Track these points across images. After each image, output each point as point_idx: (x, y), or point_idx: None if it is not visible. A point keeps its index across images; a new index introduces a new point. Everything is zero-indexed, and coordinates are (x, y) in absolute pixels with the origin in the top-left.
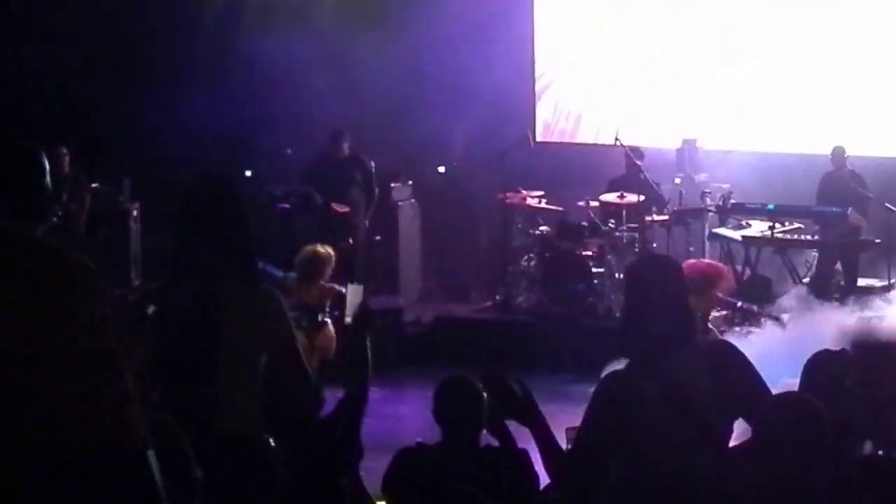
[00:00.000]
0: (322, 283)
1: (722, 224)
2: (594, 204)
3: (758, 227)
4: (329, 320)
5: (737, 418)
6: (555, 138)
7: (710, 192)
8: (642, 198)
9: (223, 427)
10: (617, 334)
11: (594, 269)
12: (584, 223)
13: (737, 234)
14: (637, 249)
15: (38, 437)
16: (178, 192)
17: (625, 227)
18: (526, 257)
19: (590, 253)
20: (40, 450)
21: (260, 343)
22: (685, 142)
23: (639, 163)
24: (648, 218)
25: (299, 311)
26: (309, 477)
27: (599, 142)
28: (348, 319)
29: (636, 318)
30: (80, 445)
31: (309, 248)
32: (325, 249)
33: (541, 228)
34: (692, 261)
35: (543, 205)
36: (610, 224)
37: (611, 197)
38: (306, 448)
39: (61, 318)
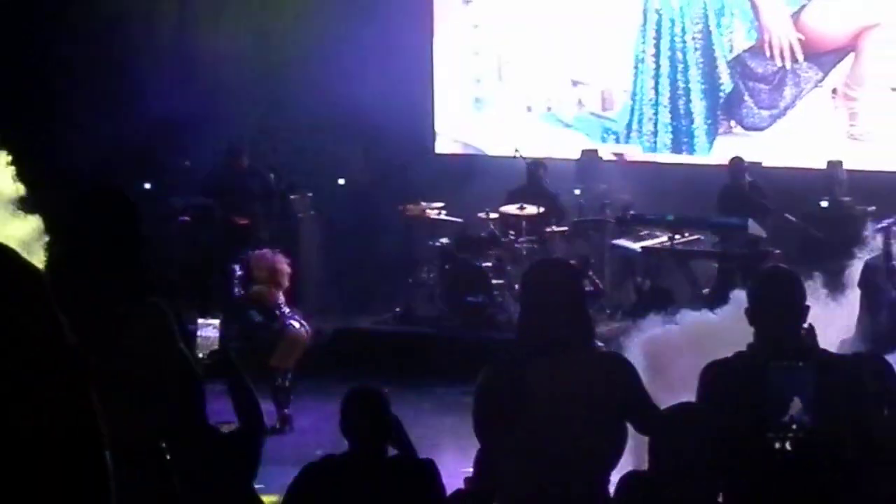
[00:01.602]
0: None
1: (622, 235)
2: (494, 216)
3: (658, 239)
4: (295, 322)
5: (625, 424)
6: (456, 150)
7: (610, 203)
8: (542, 209)
9: (117, 440)
10: (516, 337)
11: (494, 281)
12: (484, 235)
13: (636, 246)
14: (530, 263)
15: None
16: (71, 205)
17: (524, 239)
18: (426, 269)
19: (490, 265)
20: None
21: (146, 360)
22: (585, 153)
23: (539, 174)
24: (548, 229)
25: (266, 316)
26: (205, 491)
27: (500, 153)
28: (201, 355)
29: (532, 322)
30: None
31: (268, 254)
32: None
33: (441, 240)
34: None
35: (443, 216)
36: (510, 235)
37: (511, 208)
38: (203, 463)
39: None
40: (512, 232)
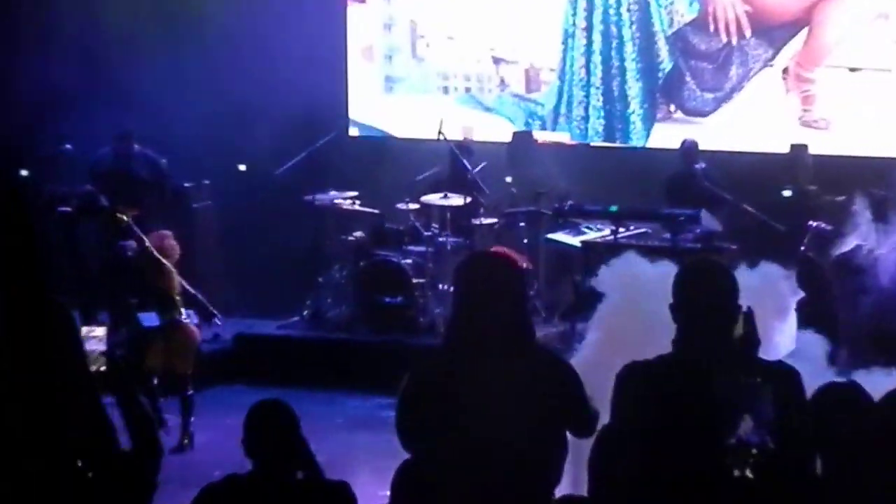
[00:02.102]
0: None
1: (559, 228)
2: (414, 206)
3: (600, 233)
4: (190, 318)
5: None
6: (373, 133)
7: (545, 193)
8: (468, 199)
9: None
10: (445, 337)
11: (415, 280)
12: (403, 228)
13: (575, 240)
14: (464, 255)
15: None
16: None
17: (449, 233)
18: (338, 266)
19: (410, 261)
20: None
21: (54, 367)
22: (518, 135)
23: (465, 160)
24: (476, 221)
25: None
26: None
27: (422, 136)
28: (95, 368)
29: (465, 320)
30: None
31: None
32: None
33: (355, 234)
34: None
35: (357, 207)
36: (432, 229)
37: (433, 198)
38: (97, 482)
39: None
40: (435, 225)
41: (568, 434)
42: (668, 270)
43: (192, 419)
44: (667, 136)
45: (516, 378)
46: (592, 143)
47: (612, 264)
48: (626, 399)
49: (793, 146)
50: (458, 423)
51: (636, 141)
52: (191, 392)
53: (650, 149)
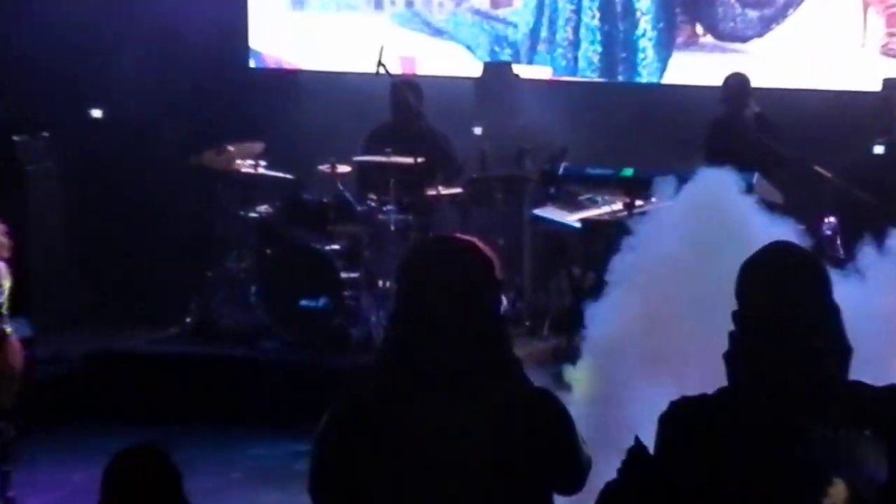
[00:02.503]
0: None
1: (550, 201)
2: (344, 169)
3: (607, 207)
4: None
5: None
6: (284, 66)
7: (531, 151)
8: (421, 159)
9: None
10: (381, 361)
11: (343, 275)
12: (329, 200)
13: (573, 218)
14: (413, 242)
15: None
16: None
17: (393, 207)
18: (235, 255)
19: (338, 247)
20: None
21: None
22: (490, 68)
23: (415, 103)
24: (432, 192)
25: None
26: None
27: (350, 69)
28: None
29: (411, 338)
30: None
31: None
32: None
33: (259, 209)
34: None
35: (263, 171)
36: (369, 201)
37: (371, 158)
38: None
39: None
40: (373, 196)
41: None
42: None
43: (11, 482)
44: (691, 69)
45: (481, 419)
46: (585, 80)
47: (687, 190)
48: (671, 451)
49: (886, 81)
50: (398, 483)
51: (647, 76)
52: (12, 434)
53: (668, 87)
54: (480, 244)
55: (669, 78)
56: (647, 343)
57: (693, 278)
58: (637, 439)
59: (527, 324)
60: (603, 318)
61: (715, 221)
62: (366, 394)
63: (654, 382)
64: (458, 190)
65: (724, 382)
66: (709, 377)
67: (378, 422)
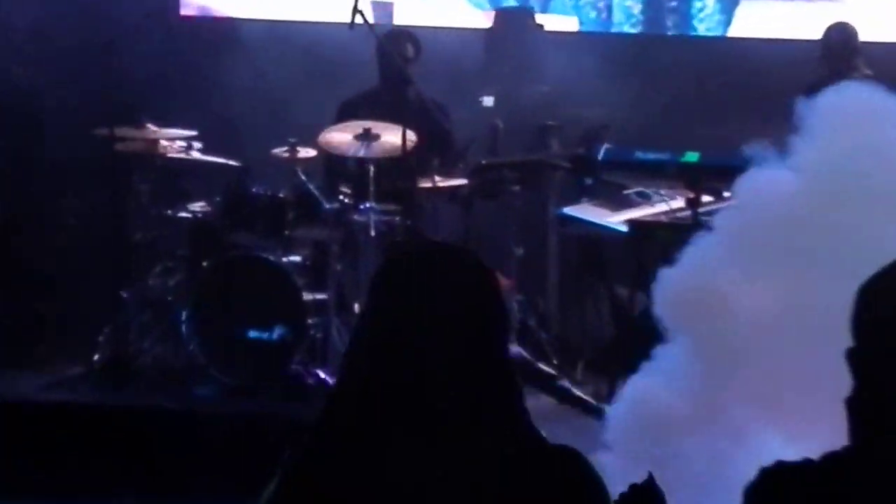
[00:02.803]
0: None
1: (585, 196)
2: (307, 153)
3: (662, 207)
4: None
5: None
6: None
7: (558, 128)
8: (413, 139)
9: None
10: (334, 409)
11: (307, 295)
12: (287, 196)
13: (616, 218)
14: (389, 250)
15: None
16: None
17: (373, 204)
18: (160, 268)
19: (298, 259)
20: None
21: None
22: (504, 15)
23: (405, 63)
24: (425, 183)
25: None
26: None
27: (322, 20)
28: None
29: (384, 374)
30: None
31: None
32: None
33: (192, 207)
34: None
35: (197, 155)
36: (341, 196)
37: (342, 137)
38: None
39: None
40: (346, 189)
41: None
42: None
43: None
44: (765, 21)
45: (481, 491)
46: (631, 33)
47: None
48: None
49: None
50: None
51: (705, 30)
52: None
53: (740, 42)
54: (469, 251)
55: (739, 29)
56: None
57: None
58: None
59: (553, 363)
60: (664, 358)
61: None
62: (319, 443)
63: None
64: (460, 181)
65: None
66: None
67: (336, 485)
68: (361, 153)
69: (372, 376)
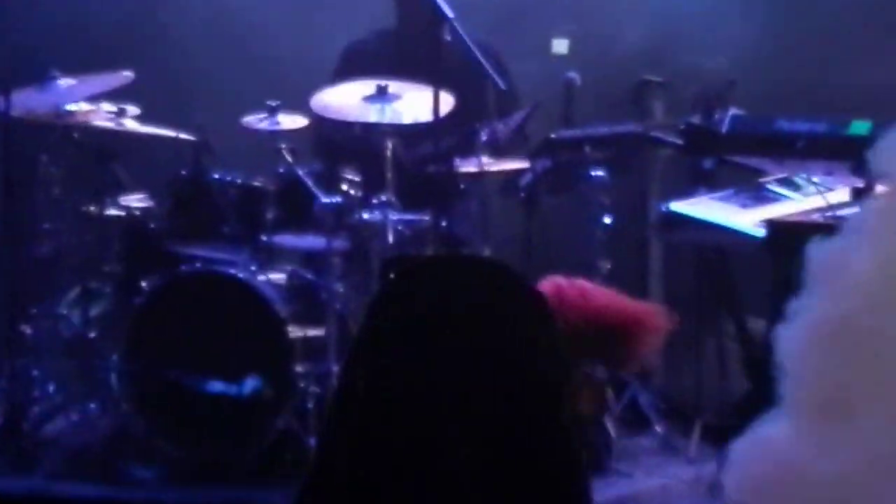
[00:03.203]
0: None
1: (702, 184)
2: (294, 123)
3: (815, 196)
4: None
5: None
6: None
7: (662, 85)
8: (450, 100)
9: None
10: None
11: (296, 332)
12: (262, 183)
13: (748, 217)
14: (394, 267)
15: None
16: None
17: (389, 197)
18: (78, 291)
19: (281, 278)
20: None
21: None
22: None
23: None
24: (468, 168)
25: None
26: None
27: None
28: None
29: (385, 454)
30: None
31: None
32: None
33: (126, 201)
34: None
35: (133, 125)
36: (345, 186)
37: (346, 98)
38: None
39: None
40: (350, 175)
41: None
42: None
43: None
44: None
45: None
46: None
47: None
48: None
49: None
50: None
51: None
52: None
53: None
54: (511, 273)
55: None
56: None
57: None
58: None
59: (657, 430)
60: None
61: None
62: None
63: None
64: (520, 164)
65: None
66: None
67: None
68: (374, 122)
69: (365, 447)
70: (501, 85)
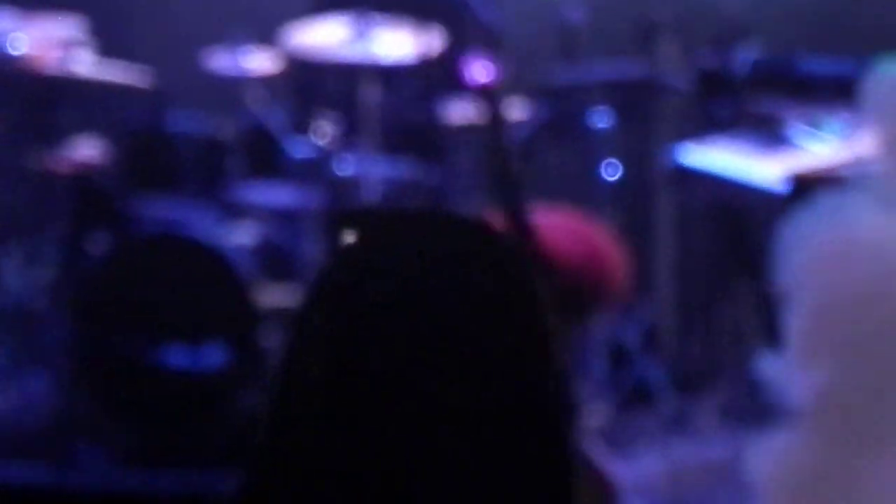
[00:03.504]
0: None
1: (715, 132)
2: (262, 64)
3: (841, 147)
4: None
5: None
6: None
7: (671, 26)
8: (439, 38)
9: None
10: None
11: (262, 297)
12: (227, 135)
13: (768, 171)
14: (353, 228)
15: None
16: None
17: (370, 149)
18: (18, 256)
19: (246, 239)
20: None
21: None
22: None
23: None
24: (458, 115)
25: None
26: None
27: None
28: None
29: (333, 446)
30: None
31: None
32: None
33: (74, 154)
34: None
35: (82, 67)
36: (320, 136)
37: (322, 35)
38: None
39: None
40: (326, 124)
41: None
42: None
43: None
44: None
45: None
46: None
47: None
48: None
49: None
50: None
51: None
52: None
53: None
54: (489, 229)
55: None
56: None
57: None
58: None
59: (664, 407)
60: None
61: None
62: None
63: None
64: (515, 112)
65: None
66: None
67: None
68: (354, 63)
69: (310, 439)
70: (493, 22)
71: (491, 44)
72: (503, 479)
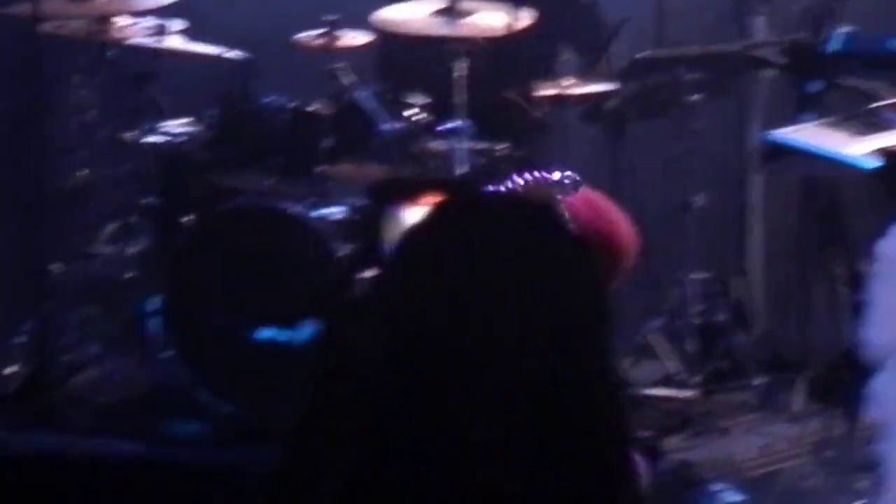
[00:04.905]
0: None
1: (808, 109)
2: (353, 41)
3: None
4: None
5: None
6: None
7: None
8: (527, 14)
9: None
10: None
11: (355, 272)
12: (319, 109)
13: (862, 148)
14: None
15: None
16: None
17: (460, 123)
18: (112, 228)
19: (339, 213)
20: None
21: None
22: None
23: None
24: (548, 91)
25: None
26: None
27: None
28: None
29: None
30: None
31: None
32: None
33: (167, 128)
34: None
35: (176, 42)
36: (410, 111)
37: (412, 12)
38: None
39: None
40: (417, 99)
41: None
42: None
43: None
44: None
45: None
46: None
47: None
48: None
49: None
50: None
51: None
52: None
53: None
54: (552, 210)
55: None
56: None
57: None
58: None
59: (756, 383)
60: None
61: None
62: None
63: None
64: (605, 86)
65: None
66: None
67: None
68: (445, 38)
69: (380, 404)
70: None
71: (583, 20)
72: (569, 438)
